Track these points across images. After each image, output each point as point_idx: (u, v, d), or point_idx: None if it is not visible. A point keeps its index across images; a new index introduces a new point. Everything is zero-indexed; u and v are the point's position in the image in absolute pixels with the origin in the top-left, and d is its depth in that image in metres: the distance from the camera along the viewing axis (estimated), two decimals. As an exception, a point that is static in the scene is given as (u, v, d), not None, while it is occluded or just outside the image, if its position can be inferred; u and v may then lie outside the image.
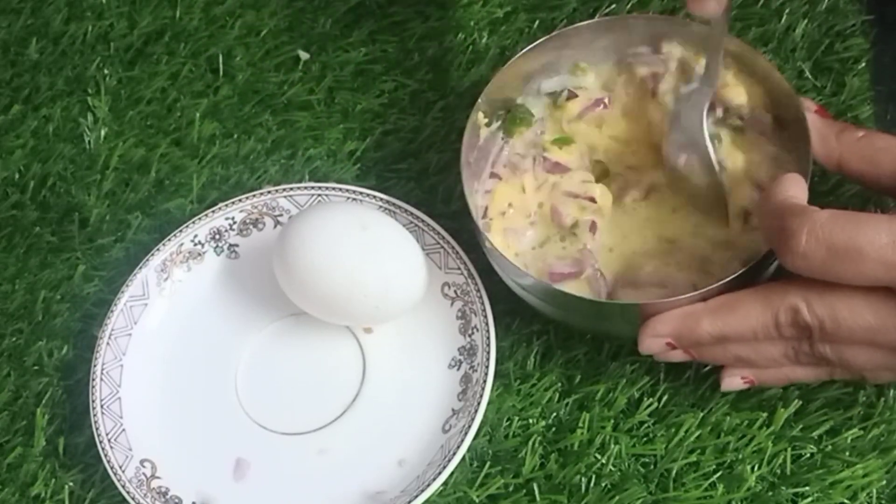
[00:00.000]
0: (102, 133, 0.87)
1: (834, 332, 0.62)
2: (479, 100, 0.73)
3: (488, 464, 0.70)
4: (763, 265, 0.65)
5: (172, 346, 0.77)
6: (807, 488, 0.67)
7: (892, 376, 0.65)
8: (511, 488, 0.69)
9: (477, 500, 0.69)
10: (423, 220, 0.76)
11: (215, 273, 0.79)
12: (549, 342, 0.73)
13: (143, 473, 0.71)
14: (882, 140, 0.67)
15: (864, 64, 0.81)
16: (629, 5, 0.86)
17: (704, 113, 0.70)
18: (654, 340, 0.66)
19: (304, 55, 0.89)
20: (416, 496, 0.67)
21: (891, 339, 0.61)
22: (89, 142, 0.87)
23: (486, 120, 0.74)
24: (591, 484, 0.68)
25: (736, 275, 0.64)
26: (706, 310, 0.64)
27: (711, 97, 0.70)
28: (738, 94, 0.72)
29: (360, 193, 0.78)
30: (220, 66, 0.89)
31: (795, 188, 0.63)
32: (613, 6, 0.86)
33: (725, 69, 0.72)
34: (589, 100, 0.76)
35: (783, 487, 0.67)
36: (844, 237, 0.59)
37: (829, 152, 0.67)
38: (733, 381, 0.67)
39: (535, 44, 0.74)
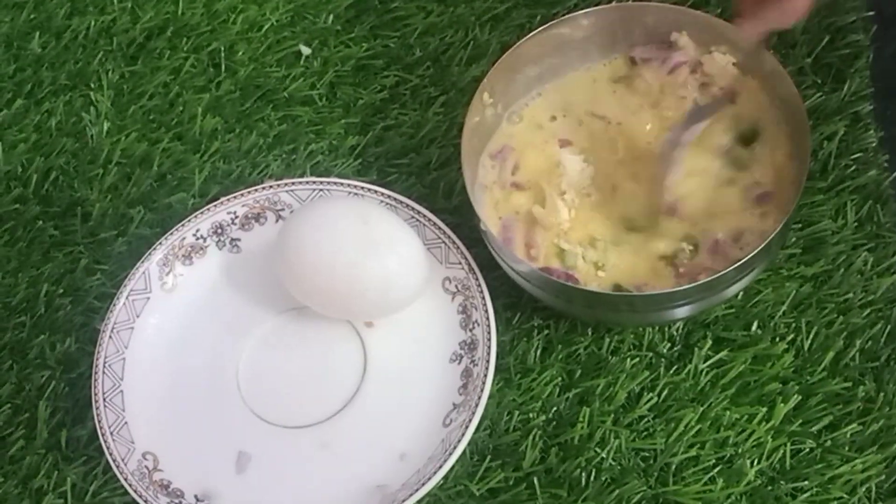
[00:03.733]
0: (105, 127, 0.87)
1: None
2: (485, 80, 0.73)
3: (489, 457, 0.70)
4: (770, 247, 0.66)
5: (174, 340, 0.77)
6: (806, 483, 0.67)
7: None
8: (511, 482, 0.70)
9: (477, 494, 0.69)
10: (424, 215, 0.77)
11: (217, 267, 0.79)
12: (549, 337, 0.74)
13: (146, 466, 0.72)
14: None
15: (863, 60, 0.81)
16: None
17: (694, 131, 0.71)
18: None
19: (305, 50, 0.89)
20: (417, 489, 0.68)
21: None
22: (92, 136, 0.87)
23: (491, 100, 0.75)
24: (591, 478, 0.69)
25: (741, 262, 0.65)
26: None
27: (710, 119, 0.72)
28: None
29: (362, 188, 0.78)
30: (222, 60, 0.89)
31: None
32: (613, 2, 0.86)
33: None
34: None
35: (782, 482, 0.67)
36: None
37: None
38: None
39: (548, 25, 0.75)
